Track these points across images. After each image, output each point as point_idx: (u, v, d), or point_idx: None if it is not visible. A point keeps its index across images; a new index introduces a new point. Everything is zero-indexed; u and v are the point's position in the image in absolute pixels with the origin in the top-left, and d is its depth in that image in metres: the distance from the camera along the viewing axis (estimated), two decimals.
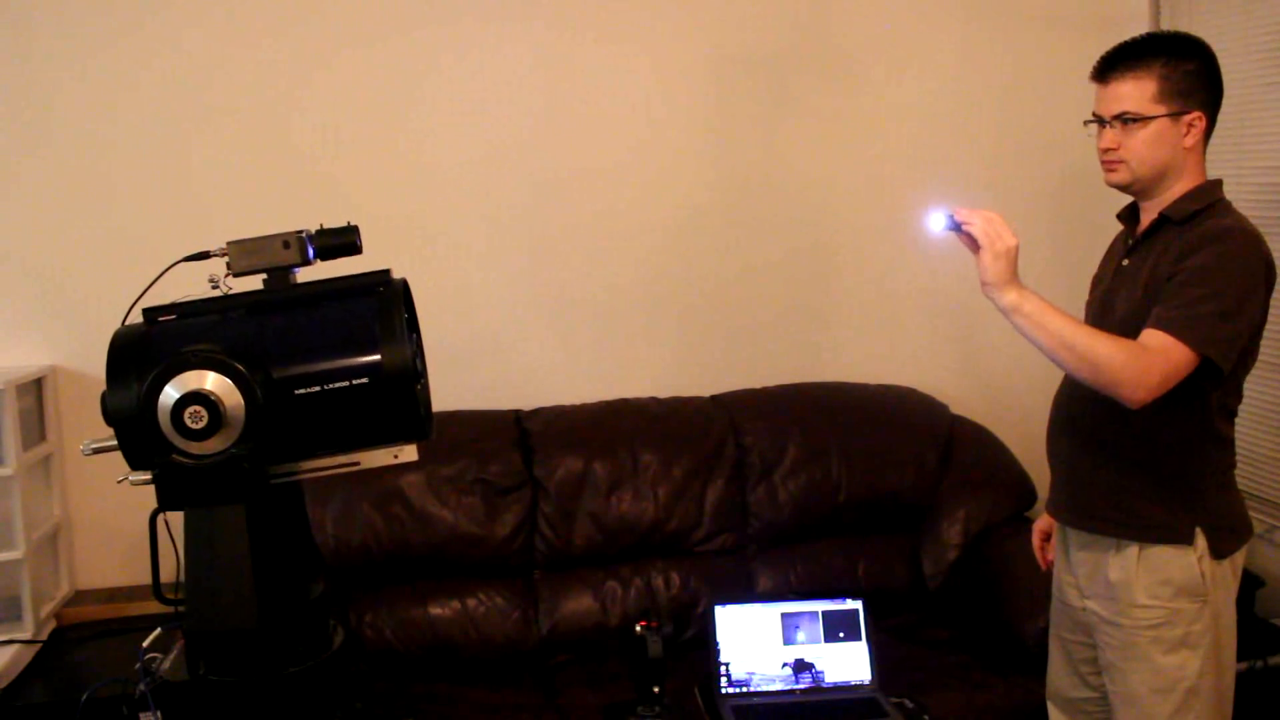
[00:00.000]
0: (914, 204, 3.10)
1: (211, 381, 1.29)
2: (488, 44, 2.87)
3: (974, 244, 1.72)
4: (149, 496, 1.37)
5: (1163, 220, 1.84)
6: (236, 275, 1.42)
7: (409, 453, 1.44)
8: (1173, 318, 1.70)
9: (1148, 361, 1.67)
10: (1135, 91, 1.79)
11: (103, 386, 1.35)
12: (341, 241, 1.47)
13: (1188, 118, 1.79)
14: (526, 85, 2.90)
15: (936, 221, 1.74)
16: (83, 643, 2.50)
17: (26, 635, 2.45)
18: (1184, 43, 1.81)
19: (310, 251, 1.44)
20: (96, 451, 1.38)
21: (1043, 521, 2.16)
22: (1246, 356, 1.81)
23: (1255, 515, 2.54)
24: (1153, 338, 1.70)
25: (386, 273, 1.43)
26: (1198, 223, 1.79)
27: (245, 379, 1.29)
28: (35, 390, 2.65)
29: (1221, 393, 1.81)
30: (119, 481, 1.40)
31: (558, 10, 2.90)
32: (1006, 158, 3.19)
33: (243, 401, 1.30)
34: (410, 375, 1.36)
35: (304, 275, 1.46)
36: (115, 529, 2.73)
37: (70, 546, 2.76)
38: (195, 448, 1.30)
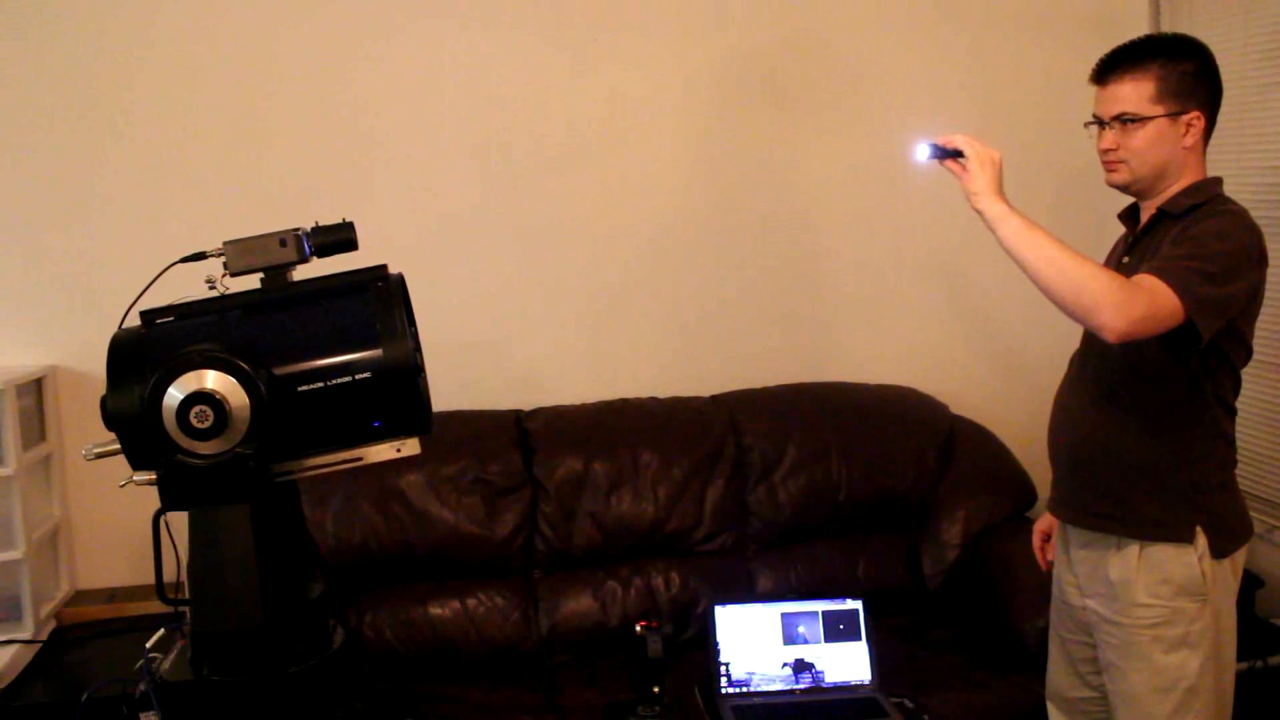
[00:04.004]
0: (914, 204, 3.13)
1: (216, 381, 1.29)
2: (488, 45, 2.87)
3: (960, 169, 1.76)
4: (149, 496, 1.37)
5: (1160, 215, 1.85)
6: (234, 275, 1.42)
7: (411, 446, 1.44)
8: (1160, 267, 1.70)
9: (1133, 292, 1.64)
10: (1133, 92, 1.80)
11: (103, 387, 1.35)
12: (338, 238, 1.46)
13: (1186, 117, 1.80)
14: (527, 86, 2.90)
15: (921, 152, 1.78)
16: (83, 643, 2.50)
17: (26, 635, 2.45)
18: (1182, 44, 1.82)
19: (307, 249, 1.44)
20: (99, 456, 1.38)
21: (1043, 521, 2.16)
22: (1239, 346, 1.81)
23: (1255, 515, 2.54)
24: (1142, 278, 1.69)
25: (383, 268, 1.43)
26: (1195, 214, 1.79)
27: (249, 377, 1.30)
28: (35, 390, 2.65)
29: (1214, 383, 1.81)
30: (121, 485, 1.40)
31: (559, 10, 2.90)
32: (1006, 158, 3.14)
33: (247, 400, 1.30)
34: (412, 369, 1.37)
35: (300, 273, 1.47)
36: (115, 529, 2.73)
37: (70, 546, 2.76)
38: (201, 447, 1.30)
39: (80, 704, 1.82)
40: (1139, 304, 1.63)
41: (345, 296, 1.41)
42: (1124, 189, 1.89)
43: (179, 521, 1.38)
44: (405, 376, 1.36)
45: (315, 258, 1.46)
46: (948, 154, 1.76)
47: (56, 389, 2.72)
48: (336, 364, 1.35)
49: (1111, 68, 1.84)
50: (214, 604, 1.33)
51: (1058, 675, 2.10)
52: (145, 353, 1.35)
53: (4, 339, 2.70)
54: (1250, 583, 2.66)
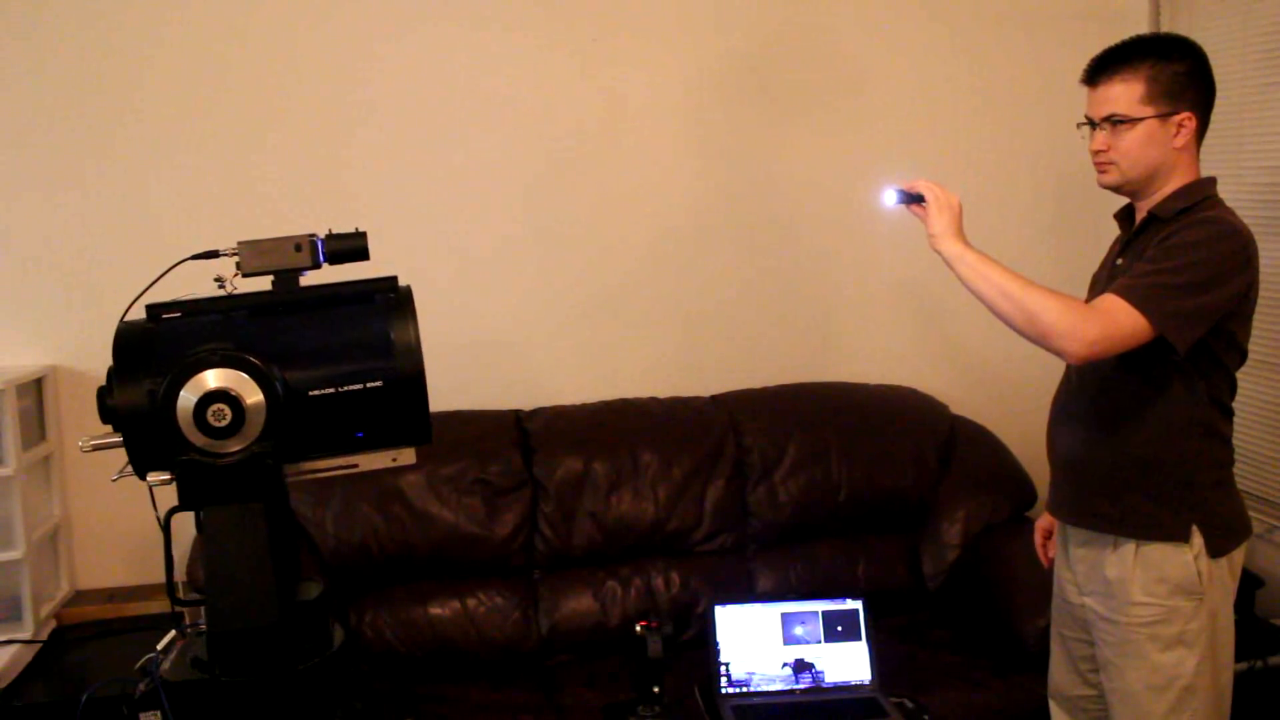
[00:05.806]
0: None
1: (233, 380, 1.30)
2: (489, 47, 2.87)
3: (923, 212, 1.86)
4: (150, 497, 1.37)
5: (1152, 218, 1.85)
6: (246, 275, 1.42)
7: (407, 456, 1.45)
8: (1129, 284, 1.73)
9: (1086, 316, 1.71)
10: (1123, 94, 1.81)
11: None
12: (351, 246, 1.47)
13: (1177, 118, 1.80)
14: (528, 88, 2.90)
15: (889, 198, 1.89)
16: (83, 643, 2.50)
17: (26, 635, 2.45)
18: (1172, 44, 1.82)
19: (321, 255, 1.45)
20: (96, 449, 1.37)
21: (1045, 519, 2.16)
22: (1232, 349, 1.81)
23: (1255, 515, 2.54)
24: (1103, 299, 1.74)
25: (394, 279, 1.44)
26: (1185, 218, 1.80)
27: (266, 378, 1.30)
28: (35, 390, 2.65)
29: (1208, 384, 1.81)
30: (114, 480, 1.39)
31: (559, 12, 2.90)
32: (1005, 159, 3.19)
33: (264, 400, 1.30)
34: (422, 379, 1.37)
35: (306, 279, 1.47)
36: (115, 529, 2.74)
37: (70, 546, 2.76)
38: (217, 446, 1.30)
39: (80, 704, 1.82)
40: (1092, 327, 1.69)
41: (356, 304, 1.42)
42: (1115, 190, 1.89)
43: (177, 522, 1.38)
44: (415, 386, 1.37)
45: (326, 264, 1.47)
46: (912, 199, 1.87)
47: (56, 389, 2.72)
48: (349, 371, 1.36)
49: (1101, 69, 1.84)
50: (229, 603, 1.33)
51: (1059, 673, 2.10)
52: (153, 348, 1.34)
53: (4, 339, 2.70)
54: (1250, 583, 2.66)
